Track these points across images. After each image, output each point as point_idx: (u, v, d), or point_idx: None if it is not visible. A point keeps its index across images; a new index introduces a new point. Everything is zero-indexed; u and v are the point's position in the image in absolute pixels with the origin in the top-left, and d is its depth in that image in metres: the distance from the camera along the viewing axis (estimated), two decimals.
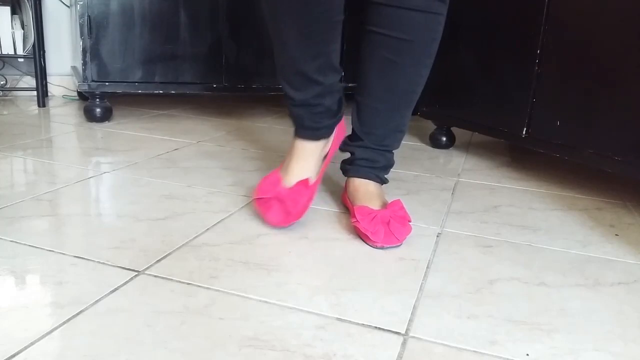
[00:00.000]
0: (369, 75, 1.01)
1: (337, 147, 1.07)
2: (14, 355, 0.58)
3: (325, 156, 1.04)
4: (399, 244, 0.91)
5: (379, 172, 1.05)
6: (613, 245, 0.98)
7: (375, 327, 0.67)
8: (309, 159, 0.99)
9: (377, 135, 1.04)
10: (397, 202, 0.95)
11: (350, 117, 1.06)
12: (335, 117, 1.02)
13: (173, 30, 1.78)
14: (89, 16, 1.67)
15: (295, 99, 0.96)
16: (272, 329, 0.65)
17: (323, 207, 1.07)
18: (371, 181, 1.04)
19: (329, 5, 0.89)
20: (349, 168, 1.07)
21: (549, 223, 1.07)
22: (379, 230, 0.89)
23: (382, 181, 1.06)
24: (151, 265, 0.79)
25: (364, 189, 1.02)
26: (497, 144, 1.76)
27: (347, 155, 1.09)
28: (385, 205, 0.98)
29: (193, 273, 0.78)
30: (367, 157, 1.04)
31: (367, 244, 0.91)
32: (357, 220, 0.91)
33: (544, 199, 1.22)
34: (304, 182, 0.97)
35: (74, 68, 2.09)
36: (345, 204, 1.07)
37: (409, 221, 0.94)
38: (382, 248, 0.90)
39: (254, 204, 0.98)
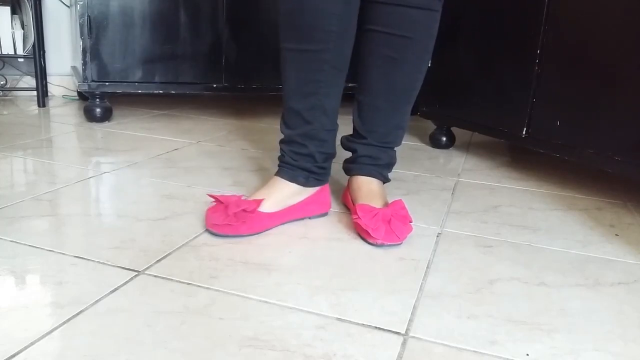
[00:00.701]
0: (369, 74, 1.01)
1: (312, 214, 1.01)
2: (14, 355, 0.58)
3: (292, 207, 0.99)
4: (400, 242, 0.91)
5: (382, 169, 1.05)
6: (613, 245, 0.98)
7: (375, 327, 0.67)
8: (275, 190, 0.97)
9: (379, 133, 1.04)
10: (399, 202, 0.95)
11: (343, 120, 1.06)
12: (316, 165, 0.99)
13: (173, 30, 1.78)
14: (89, 16, 1.67)
15: (284, 135, 1.00)
16: (272, 329, 0.65)
17: None
18: (374, 179, 1.04)
19: (325, 45, 0.92)
20: (352, 167, 1.07)
21: (549, 223, 1.07)
22: (379, 227, 0.89)
23: (385, 179, 1.07)
24: (151, 265, 0.79)
25: (367, 188, 1.02)
26: (497, 144, 1.76)
27: (349, 155, 1.09)
28: (386, 204, 0.98)
29: (193, 273, 0.78)
30: (369, 155, 1.04)
31: (367, 242, 0.91)
32: (359, 217, 0.91)
33: (544, 199, 1.22)
34: (256, 200, 0.94)
35: (74, 68, 2.08)
36: (346, 204, 1.07)
37: (410, 221, 0.94)
38: (382, 245, 0.90)
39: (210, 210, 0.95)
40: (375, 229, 0.89)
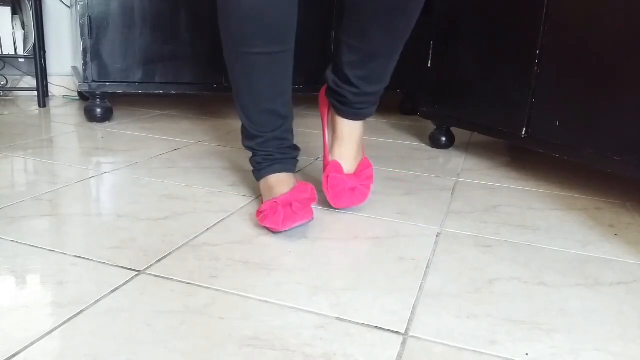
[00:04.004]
0: (365, 22, 0.98)
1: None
2: (14, 355, 0.58)
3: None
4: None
5: (370, 111, 1.07)
6: (612, 245, 0.98)
7: (375, 327, 0.67)
8: (286, 185, 0.98)
9: (374, 78, 1.03)
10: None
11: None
12: (297, 151, 1.07)
13: (173, 31, 1.78)
14: (89, 16, 1.67)
15: (264, 136, 1.01)
16: (272, 328, 0.65)
17: (323, 207, 1.07)
18: (359, 122, 1.07)
19: (292, 44, 0.96)
20: (338, 107, 1.06)
21: (549, 223, 1.07)
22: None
23: (371, 114, 1.08)
24: (151, 265, 0.80)
25: (349, 135, 1.06)
26: (497, 144, 1.76)
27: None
28: (359, 158, 1.07)
29: (193, 273, 0.78)
30: (360, 101, 1.04)
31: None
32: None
33: (544, 199, 1.22)
34: (300, 183, 0.97)
35: (74, 68, 2.09)
36: (321, 112, 1.11)
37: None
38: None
39: (263, 223, 0.93)
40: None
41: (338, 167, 1.05)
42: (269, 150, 1.02)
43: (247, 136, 1.04)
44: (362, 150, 1.11)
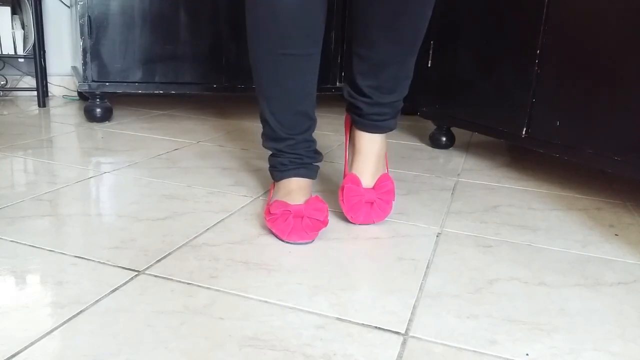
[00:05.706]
0: (371, 29, 0.97)
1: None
2: (14, 355, 0.58)
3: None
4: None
5: (388, 123, 1.05)
6: (613, 245, 0.98)
7: (375, 327, 0.67)
8: (303, 195, 0.96)
9: (386, 88, 1.01)
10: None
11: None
12: (321, 158, 1.06)
13: (173, 31, 1.78)
14: (89, 16, 1.67)
15: (295, 138, 1.00)
16: (272, 328, 0.65)
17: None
18: (378, 135, 1.05)
19: (321, 46, 0.97)
20: (357, 120, 1.05)
21: (549, 223, 1.07)
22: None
23: (391, 128, 1.06)
24: (151, 265, 0.80)
25: (368, 148, 1.04)
26: (497, 144, 1.76)
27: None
28: (379, 173, 1.03)
29: (193, 273, 0.78)
30: (375, 112, 1.03)
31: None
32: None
33: (544, 199, 1.22)
34: (316, 197, 0.95)
35: (74, 68, 2.09)
36: (345, 129, 1.11)
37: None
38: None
39: (269, 225, 0.93)
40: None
41: (355, 180, 1.01)
42: (298, 153, 1.00)
43: (273, 138, 1.01)
44: (386, 166, 1.08)
